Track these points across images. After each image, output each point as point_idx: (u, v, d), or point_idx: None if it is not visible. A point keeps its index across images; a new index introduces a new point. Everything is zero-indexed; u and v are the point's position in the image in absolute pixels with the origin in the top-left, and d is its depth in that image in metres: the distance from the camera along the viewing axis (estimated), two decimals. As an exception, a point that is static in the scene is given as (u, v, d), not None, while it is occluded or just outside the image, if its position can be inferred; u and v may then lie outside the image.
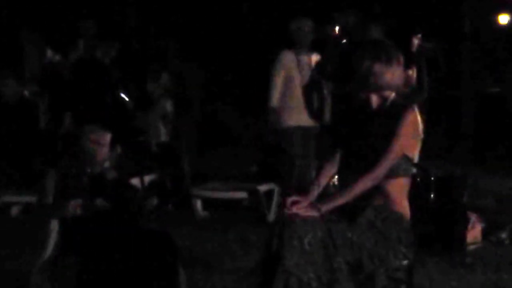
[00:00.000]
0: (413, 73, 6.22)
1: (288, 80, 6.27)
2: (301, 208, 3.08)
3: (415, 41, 6.34)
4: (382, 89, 3.21)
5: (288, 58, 6.29)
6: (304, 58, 6.29)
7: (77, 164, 4.14)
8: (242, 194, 6.88)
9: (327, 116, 5.92)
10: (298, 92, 6.23)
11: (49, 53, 7.62)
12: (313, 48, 6.36)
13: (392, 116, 3.17)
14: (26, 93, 7.00)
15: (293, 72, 6.25)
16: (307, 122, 6.24)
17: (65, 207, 3.96)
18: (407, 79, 6.03)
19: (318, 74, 5.75)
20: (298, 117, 6.27)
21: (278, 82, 6.29)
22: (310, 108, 6.17)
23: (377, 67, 3.17)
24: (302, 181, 6.23)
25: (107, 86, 7.00)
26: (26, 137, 6.87)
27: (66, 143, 6.63)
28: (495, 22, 11.90)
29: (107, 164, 4.29)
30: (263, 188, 6.71)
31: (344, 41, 5.59)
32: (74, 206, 3.95)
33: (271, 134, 6.59)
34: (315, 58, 6.29)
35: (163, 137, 7.09)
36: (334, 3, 6.54)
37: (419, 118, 3.20)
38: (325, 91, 5.95)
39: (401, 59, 3.23)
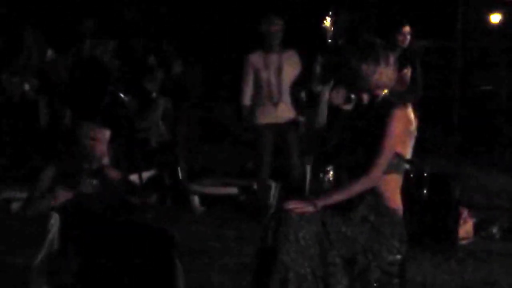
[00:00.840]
0: (408, 71, 6.29)
1: (256, 80, 6.35)
2: (298, 203, 3.11)
3: (403, 35, 6.40)
4: (370, 89, 3.21)
5: (254, 58, 6.35)
6: (273, 57, 6.32)
7: (76, 160, 4.09)
8: (238, 190, 6.96)
9: (322, 115, 5.96)
10: (265, 91, 6.30)
11: (49, 51, 7.64)
12: (287, 46, 6.39)
13: (381, 114, 3.17)
14: (26, 86, 7.03)
15: (260, 72, 6.32)
16: (278, 119, 6.30)
17: (46, 197, 3.90)
18: (403, 78, 6.12)
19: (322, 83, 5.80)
20: (268, 115, 6.33)
21: (247, 80, 6.37)
22: (298, 106, 6.27)
23: (364, 68, 3.17)
24: (285, 176, 6.31)
25: (106, 84, 7.04)
26: (27, 133, 6.92)
27: (66, 139, 6.66)
28: (488, 21, 11.97)
29: (105, 161, 4.27)
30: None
31: (340, 42, 5.65)
32: (57, 195, 3.89)
33: (246, 131, 6.66)
34: (287, 56, 6.35)
35: (165, 135, 7.13)
36: (330, 2, 6.58)
37: (411, 115, 3.20)
38: (316, 91, 6.02)
39: (391, 59, 3.21)
